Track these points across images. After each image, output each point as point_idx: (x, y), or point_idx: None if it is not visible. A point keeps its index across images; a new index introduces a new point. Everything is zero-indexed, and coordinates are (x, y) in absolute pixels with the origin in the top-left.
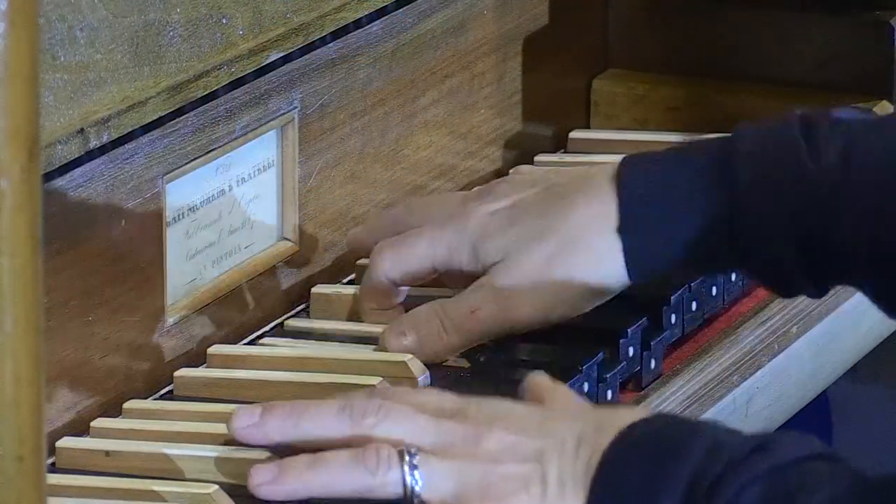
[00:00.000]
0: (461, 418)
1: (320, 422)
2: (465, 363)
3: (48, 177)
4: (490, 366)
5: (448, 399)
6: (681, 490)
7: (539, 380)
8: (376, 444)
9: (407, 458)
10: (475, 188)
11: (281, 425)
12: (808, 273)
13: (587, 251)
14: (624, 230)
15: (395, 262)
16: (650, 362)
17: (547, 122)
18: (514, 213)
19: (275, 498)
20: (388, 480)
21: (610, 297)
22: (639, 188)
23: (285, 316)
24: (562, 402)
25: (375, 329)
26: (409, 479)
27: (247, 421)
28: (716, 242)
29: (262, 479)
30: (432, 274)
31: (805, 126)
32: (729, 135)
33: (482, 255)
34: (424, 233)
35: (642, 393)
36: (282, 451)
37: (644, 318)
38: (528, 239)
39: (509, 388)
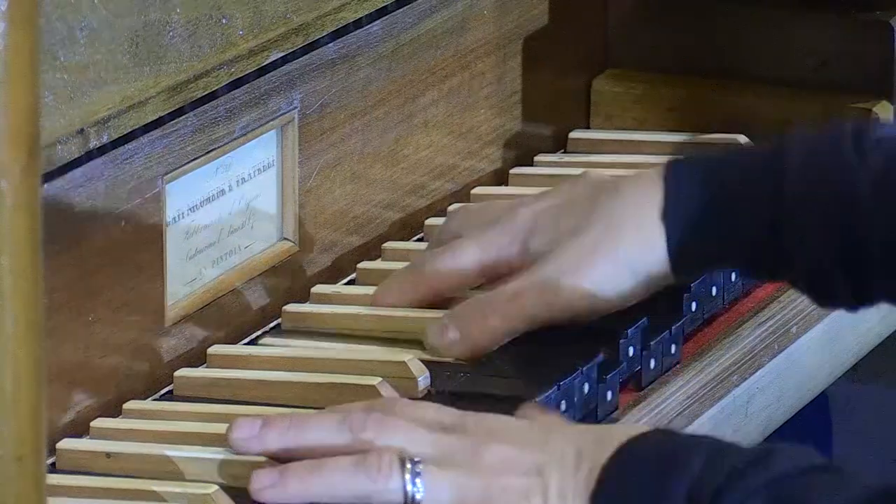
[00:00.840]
0: (460, 432)
1: (319, 434)
2: (464, 361)
3: (48, 177)
4: (490, 365)
5: (446, 413)
6: (676, 502)
7: (531, 410)
8: (378, 450)
9: (409, 465)
10: (519, 198)
11: (280, 438)
12: (848, 285)
13: (631, 234)
14: (667, 217)
15: (443, 263)
16: (650, 362)
17: (547, 122)
18: (564, 207)
19: (276, 502)
20: (389, 488)
21: (654, 290)
22: (684, 183)
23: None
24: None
25: (374, 329)
26: (409, 486)
27: (246, 433)
28: (758, 248)
29: (264, 484)
30: (478, 280)
31: (856, 138)
32: (779, 141)
33: (532, 248)
34: (472, 237)
35: (642, 393)
36: (282, 458)
37: (644, 318)
38: (576, 228)
39: (510, 386)
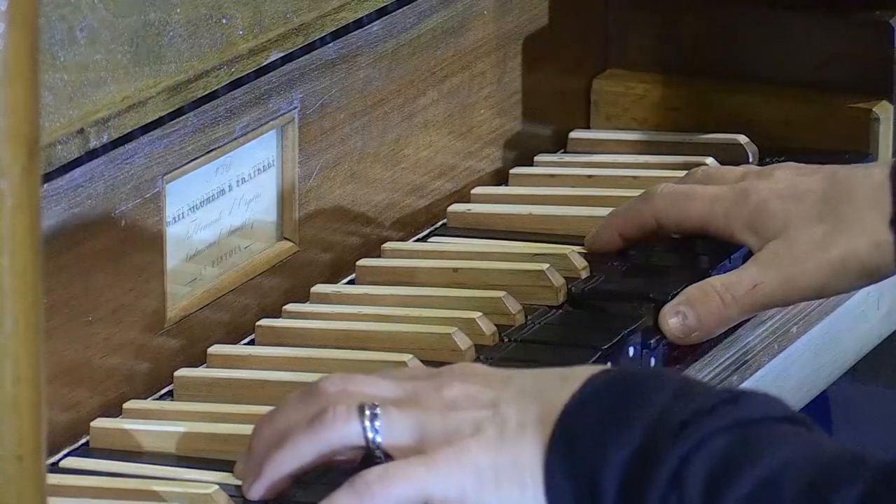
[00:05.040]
0: (427, 378)
1: (290, 419)
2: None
3: (48, 177)
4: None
5: (423, 369)
6: (640, 430)
7: None
8: (334, 401)
9: (367, 412)
10: (748, 166)
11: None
12: None
13: (863, 237)
14: (894, 225)
15: (673, 204)
16: (650, 362)
17: (547, 122)
18: (797, 193)
19: (266, 494)
20: (348, 432)
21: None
22: None
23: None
24: None
25: (373, 328)
26: (369, 431)
27: (249, 482)
28: None
29: (249, 484)
30: (689, 230)
31: None
32: None
33: (761, 229)
34: (708, 192)
35: None
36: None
37: (644, 318)
38: (809, 218)
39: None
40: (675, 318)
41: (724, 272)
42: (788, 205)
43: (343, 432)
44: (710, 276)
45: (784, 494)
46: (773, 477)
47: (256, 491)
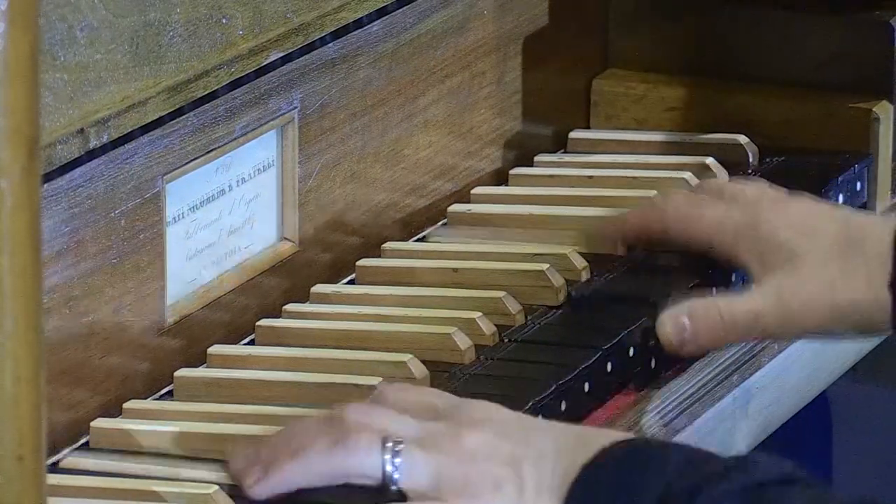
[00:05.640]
0: (448, 418)
1: (309, 436)
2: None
3: (48, 177)
4: (495, 366)
5: (443, 398)
6: (653, 497)
7: None
8: (358, 430)
9: (389, 445)
10: (763, 187)
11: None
12: None
13: (867, 290)
14: (893, 288)
15: (683, 216)
16: (650, 362)
17: (547, 122)
18: (810, 230)
19: (267, 495)
20: (367, 464)
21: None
22: None
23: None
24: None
25: (373, 328)
26: (388, 465)
27: (254, 479)
28: None
29: (252, 481)
30: (694, 243)
31: None
32: None
33: (768, 258)
34: (719, 211)
35: (642, 393)
36: None
37: (644, 318)
38: (818, 259)
39: (511, 387)
40: (673, 328)
41: (723, 276)
42: (800, 240)
43: (362, 462)
44: (709, 276)
45: None
46: None
47: (259, 490)
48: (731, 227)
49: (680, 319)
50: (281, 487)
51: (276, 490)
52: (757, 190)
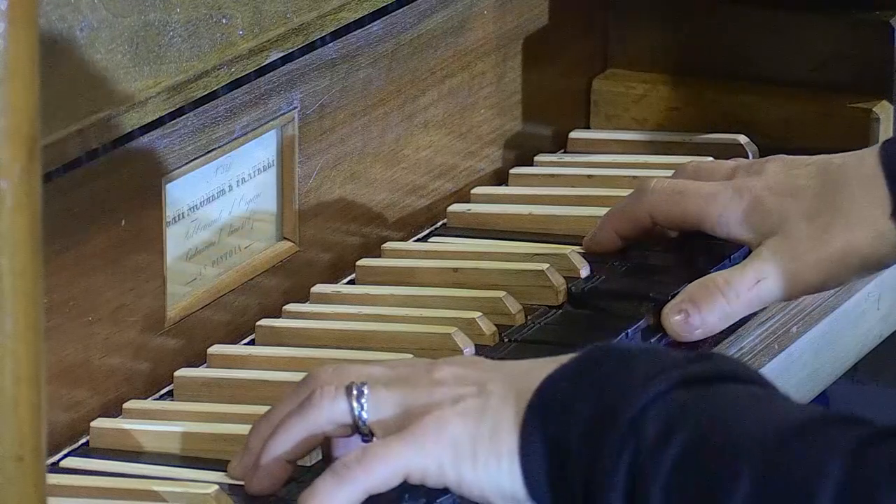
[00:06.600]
0: (418, 364)
1: (283, 410)
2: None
3: (48, 177)
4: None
5: (420, 359)
6: (612, 388)
7: None
8: (323, 384)
9: (355, 390)
10: (738, 160)
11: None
12: None
13: (862, 228)
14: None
15: (666, 202)
16: None
17: (547, 122)
18: (792, 188)
19: (265, 483)
20: (337, 412)
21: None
22: None
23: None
24: None
25: (373, 328)
26: (355, 405)
27: (241, 470)
28: None
29: (249, 479)
30: (684, 228)
31: None
32: None
33: (758, 226)
34: (703, 190)
35: None
36: None
37: (644, 318)
38: (806, 213)
39: None
40: (678, 316)
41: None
42: (784, 200)
43: (330, 410)
44: (708, 273)
45: (743, 444)
46: (731, 432)
47: (256, 483)
48: (715, 207)
49: (682, 307)
50: (271, 466)
51: (269, 472)
52: (732, 162)
